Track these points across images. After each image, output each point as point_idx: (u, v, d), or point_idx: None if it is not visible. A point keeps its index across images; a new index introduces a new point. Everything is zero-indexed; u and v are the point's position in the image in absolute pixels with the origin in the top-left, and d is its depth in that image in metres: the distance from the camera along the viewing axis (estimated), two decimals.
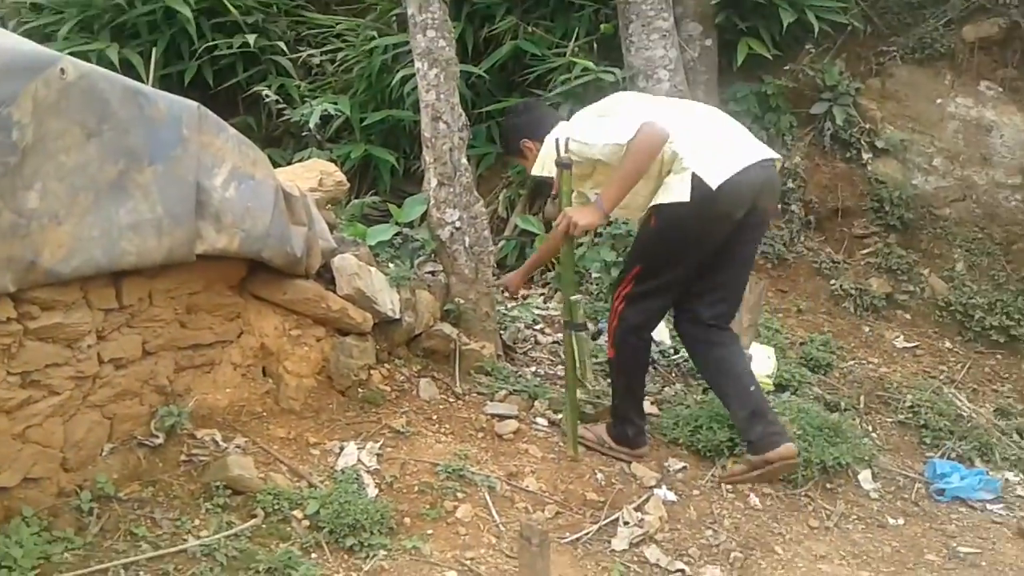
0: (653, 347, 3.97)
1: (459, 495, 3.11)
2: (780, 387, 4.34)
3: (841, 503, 3.62)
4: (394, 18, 6.16)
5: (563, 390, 3.91)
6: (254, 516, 2.71)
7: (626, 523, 3.18)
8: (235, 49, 6.06)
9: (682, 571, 3.02)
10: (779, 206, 5.70)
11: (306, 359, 3.36)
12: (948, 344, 5.34)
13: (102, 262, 2.45)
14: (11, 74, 2.14)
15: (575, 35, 5.87)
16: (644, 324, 3.54)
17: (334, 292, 3.41)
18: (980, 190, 5.92)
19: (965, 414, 4.51)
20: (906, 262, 5.68)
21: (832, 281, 5.54)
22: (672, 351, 4.47)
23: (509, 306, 4.71)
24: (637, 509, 3.27)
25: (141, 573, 2.40)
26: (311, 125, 5.59)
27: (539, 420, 3.72)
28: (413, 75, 4.32)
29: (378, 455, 3.18)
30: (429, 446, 3.33)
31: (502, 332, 4.30)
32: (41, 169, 2.24)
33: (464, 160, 4.01)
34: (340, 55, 6.31)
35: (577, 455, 3.50)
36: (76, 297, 2.47)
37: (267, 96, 5.73)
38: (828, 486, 3.69)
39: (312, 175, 3.91)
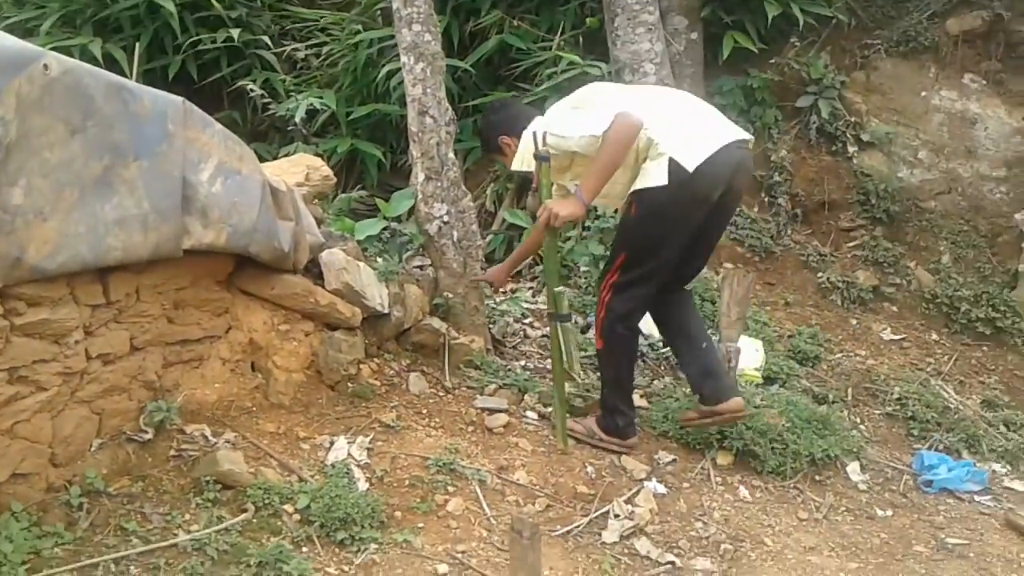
0: (642, 340, 3.98)
1: (450, 489, 3.11)
2: (768, 380, 4.35)
3: (830, 495, 3.64)
4: (379, 12, 6.14)
5: (552, 383, 3.92)
6: (244, 510, 2.69)
7: (616, 516, 3.19)
8: (219, 44, 6.04)
9: (672, 563, 3.03)
10: (764, 197, 5.74)
11: (295, 354, 3.34)
12: (935, 336, 5.37)
13: (88, 258, 2.43)
14: None
15: (561, 29, 5.87)
16: (631, 313, 3.54)
17: (322, 287, 3.40)
18: (965, 183, 5.96)
19: (952, 406, 4.53)
20: (892, 255, 5.71)
21: (819, 274, 5.57)
22: (661, 344, 4.47)
23: (498, 300, 4.71)
24: (627, 502, 3.27)
25: (131, 568, 2.38)
26: (297, 119, 5.58)
27: (529, 414, 3.73)
28: (399, 69, 4.30)
29: (368, 449, 3.18)
30: (419, 440, 3.33)
31: (491, 326, 4.30)
32: (25, 165, 2.22)
33: (451, 154, 4.01)
34: (325, 49, 6.29)
35: (567, 448, 3.51)
36: (63, 293, 2.45)
37: (252, 91, 5.71)
38: (817, 478, 3.71)
39: (298, 170, 3.90)
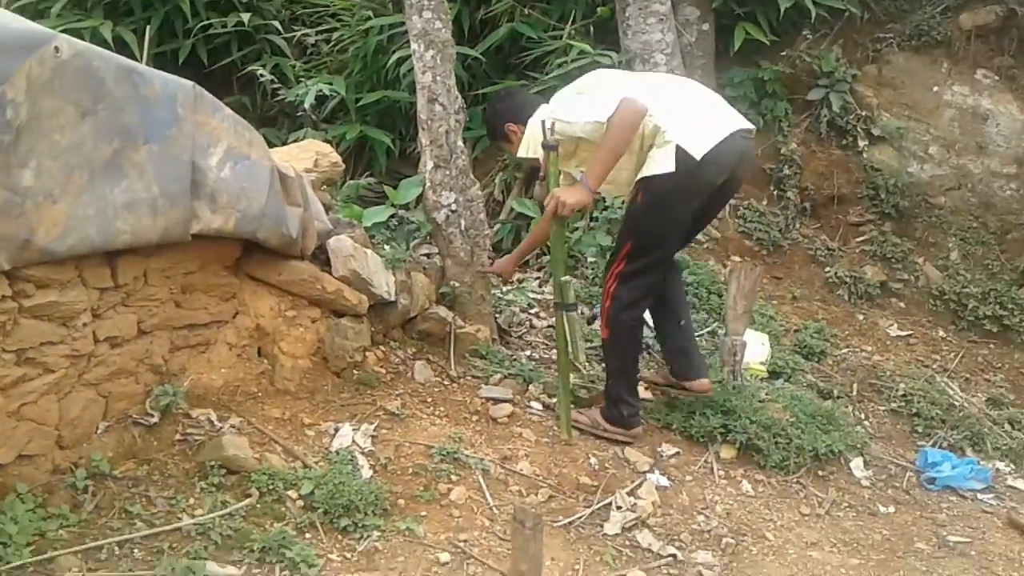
0: (647, 332, 3.98)
1: (453, 478, 3.12)
2: (774, 374, 4.35)
3: (833, 490, 3.64)
4: None
5: (557, 374, 3.92)
6: (249, 496, 2.71)
7: (619, 507, 3.20)
8: (230, 28, 6.02)
9: (674, 556, 3.04)
10: (773, 190, 5.72)
11: (301, 340, 3.35)
12: (941, 333, 5.36)
13: (97, 241, 2.44)
14: (5, 52, 2.13)
15: (572, 18, 5.83)
16: (637, 301, 3.55)
17: (330, 273, 3.41)
18: (975, 179, 5.93)
19: (957, 403, 4.53)
20: (901, 250, 5.69)
21: (827, 268, 5.56)
22: None
23: (504, 290, 4.71)
24: (630, 494, 3.28)
25: (135, 551, 2.40)
26: (306, 105, 5.55)
27: (533, 404, 3.73)
28: (409, 56, 4.29)
29: (373, 437, 3.18)
30: (423, 428, 3.34)
31: (497, 315, 4.30)
32: (36, 148, 2.23)
33: (460, 142, 4.00)
34: (335, 35, 6.26)
35: (571, 439, 3.51)
36: (71, 275, 2.47)
37: (262, 76, 5.68)
38: (820, 473, 3.72)
39: (307, 156, 3.89)
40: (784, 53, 6.06)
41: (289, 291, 3.31)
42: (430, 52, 3.91)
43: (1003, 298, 5.41)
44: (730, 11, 5.93)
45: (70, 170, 2.33)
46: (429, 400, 3.55)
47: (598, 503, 3.20)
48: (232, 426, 2.96)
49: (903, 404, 4.46)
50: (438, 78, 3.92)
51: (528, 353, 4.25)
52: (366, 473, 2.99)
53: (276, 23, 6.28)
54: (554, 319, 4.54)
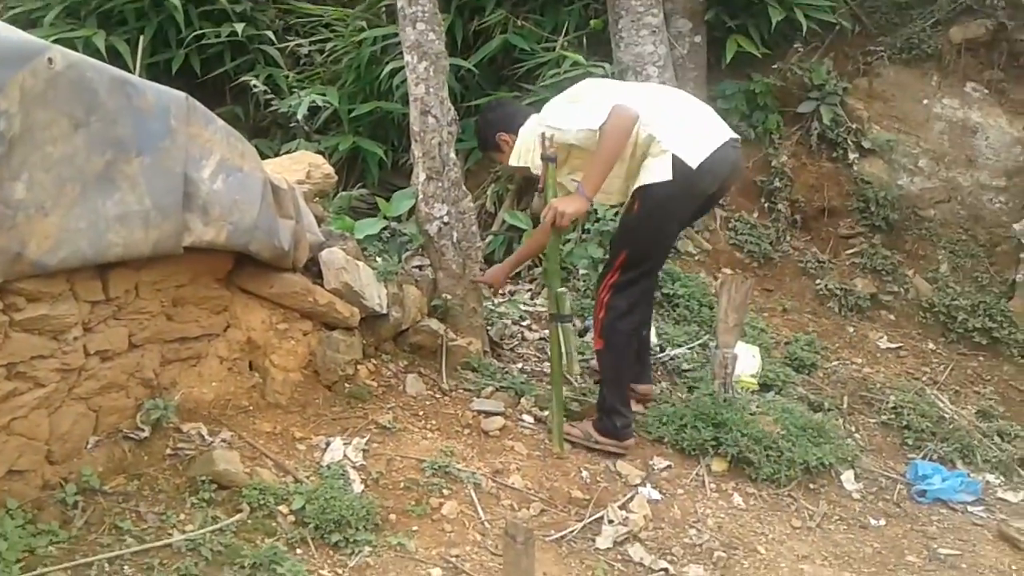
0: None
1: (444, 492, 3.11)
2: (765, 386, 4.36)
3: (824, 503, 3.65)
4: (383, 9, 6.13)
5: (549, 387, 3.92)
6: (239, 511, 2.69)
7: (611, 521, 3.19)
8: (223, 38, 6.02)
9: (665, 570, 3.03)
10: (764, 202, 5.73)
11: (293, 353, 3.34)
12: (931, 345, 5.38)
13: (89, 254, 2.42)
14: None
15: (565, 30, 5.86)
16: (632, 310, 3.57)
17: (321, 286, 3.40)
18: (965, 192, 5.96)
19: (947, 416, 4.54)
20: (891, 263, 5.72)
21: (817, 281, 5.58)
22: (658, 349, 4.48)
23: (496, 302, 4.71)
24: (622, 507, 3.28)
25: (126, 567, 2.38)
26: (299, 116, 5.56)
27: (525, 417, 3.73)
28: (402, 67, 4.29)
29: (364, 451, 3.17)
30: (415, 442, 3.33)
31: (489, 328, 4.29)
32: (28, 160, 2.22)
33: (452, 155, 4.00)
34: (329, 46, 6.27)
35: (563, 452, 3.51)
36: (62, 289, 2.45)
37: (255, 86, 5.68)
38: (811, 486, 3.72)
39: (300, 167, 3.89)
40: (775, 66, 6.10)
41: (281, 304, 3.30)
42: (423, 64, 3.92)
43: (992, 310, 5.44)
44: (722, 24, 5.97)
45: (62, 182, 2.32)
46: (421, 413, 3.54)
47: (590, 517, 3.20)
48: (223, 440, 2.95)
49: (893, 416, 4.47)
50: (431, 90, 3.92)
51: (520, 366, 4.25)
52: (357, 488, 2.98)
53: (269, 33, 6.30)
54: (546, 332, 4.58)
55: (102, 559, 2.36)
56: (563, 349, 3.46)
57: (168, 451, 2.82)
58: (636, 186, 3.40)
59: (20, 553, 2.27)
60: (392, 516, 2.93)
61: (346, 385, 3.46)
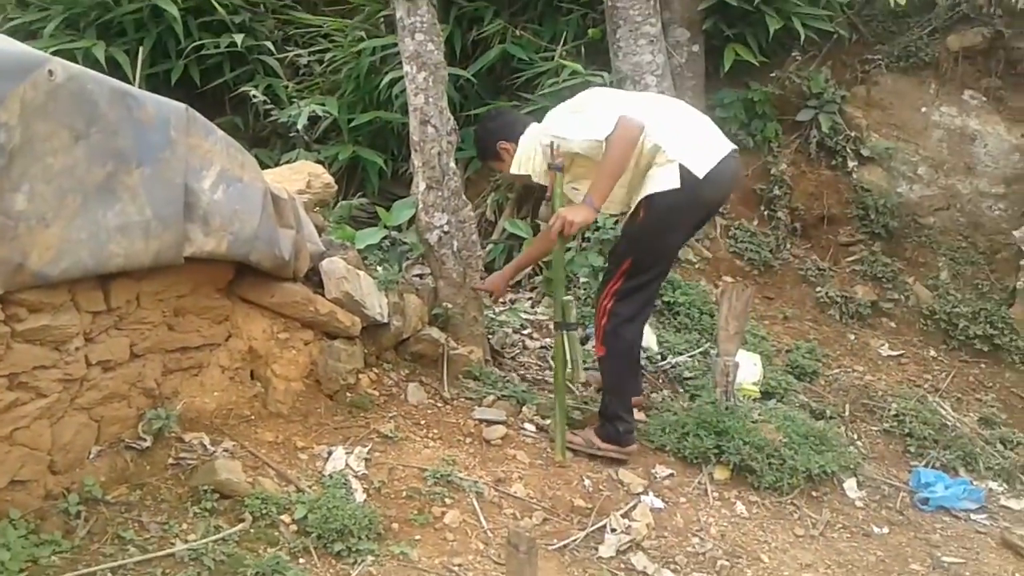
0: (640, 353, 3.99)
1: (447, 501, 3.10)
2: (766, 394, 4.35)
3: (827, 511, 3.64)
4: (382, 19, 6.14)
5: (551, 395, 3.92)
6: (242, 520, 2.69)
7: (613, 530, 3.18)
8: (222, 49, 6.03)
9: None
10: (763, 210, 5.74)
11: (294, 362, 3.34)
12: (933, 353, 5.38)
13: (90, 264, 2.43)
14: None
15: (563, 39, 5.88)
16: (634, 317, 3.59)
17: (322, 295, 3.40)
18: (964, 199, 5.97)
19: (949, 423, 4.54)
20: (891, 270, 5.72)
21: (818, 288, 5.58)
22: (659, 357, 4.48)
23: (497, 311, 4.71)
24: (624, 516, 3.27)
25: None
26: (299, 126, 5.57)
27: (527, 425, 3.72)
28: (401, 77, 4.31)
29: (366, 460, 3.17)
30: (417, 451, 3.32)
31: (490, 337, 4.29)
32: (29, 171, 2.22)
33: (452, 164, 4.01)
34: (328, 56, 6.29)
35: (565, 460, 3.50)
36: (64, 299, 2.45)
37: (254, 96, 5.70)
38: (814, 494, 3.71)
39: (300, 177, 3.90)
40: (774, 74, 6.11)
41: (282, 313, 3.30)
42: (422, 74, 3.93)
43: (993, 317, 5.43)
44: (720, 33, 5.98)
45: (63, 194, 2.32)
46: (422, 422, 3.53)
47: (592, 526, 3.19)
48: (225, 450, 2.94)
49: (895, 424, 4.47)
50: (430, 100, 3.93)
51: (521, 374, 4.25)
52: (360, 497, 2.97)
53: (269, 44, 6.31)
54: (547, 340, 4.59)
55: (105, 569, 2.35)
56: (568, 357, 3.48)
57: (170, 461, 2.81)
58: (643, 195, 3.41)
59: (23, 563, 2.26)
60: (394, 525, 2.92)
61: (348, 394, 3.46)
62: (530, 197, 5.60)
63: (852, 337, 5.38)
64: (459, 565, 2.82)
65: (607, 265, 3.74)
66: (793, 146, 6.06)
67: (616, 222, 4.52)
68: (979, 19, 6.27)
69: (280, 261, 3.12)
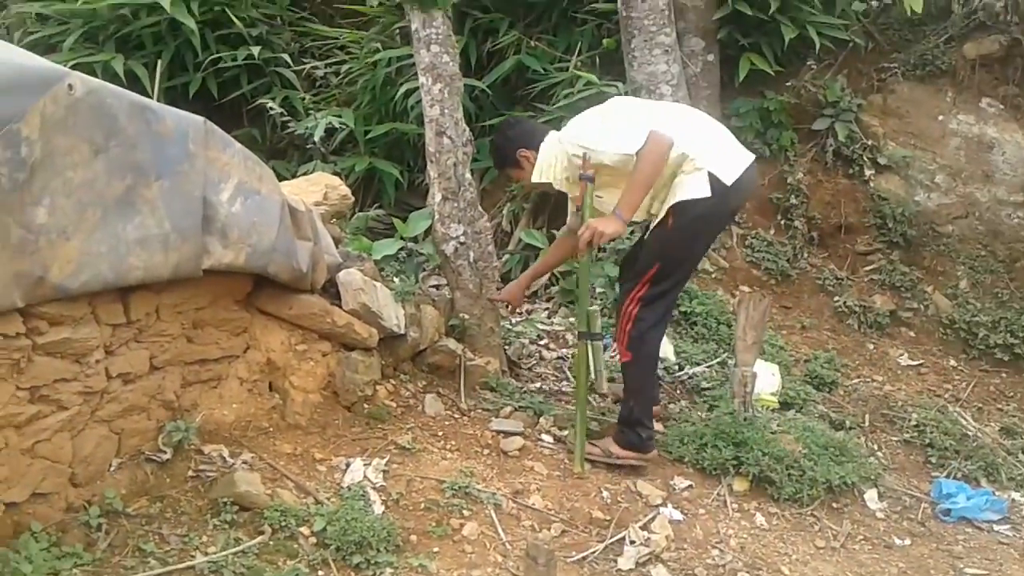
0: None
1: (465, 512, 3.09)
2: (785, 405, 4.32)
3: (847, 523, 3.61)
4: (398, 31, 6.17)
5: (568, 407, 3.92)
6: (261, 533, 2.69)
7: (632, 542, 3.16)
8: (240, 61, 6.07)
9: None
10: (780, 219, 5.73)
11: (312, 374, 3.35)
12: (953, 362, 5.33)
13: (110, 277, 2.44)
14: (20, 90, 2.14)
15: (578, 50, 5.89)
16: (659, 323, 3.62)
17: (339, 307, 3.40)
18: (983, 207, 5.92)
19: (971, 433, 4.49)
20: (909, 279, 5.68)
21: (836, 298, 5.54)
22: (676, 367, 4.46)
23: (514, 321, 4.71)
24: (643, 528, 3.25)
25: None
26: (316, 138, 5.60)
27: (544, 437, 3.71)
28: (417, 88, 4.33)
29: (384, 471, 3.17)
30: (435, 463, 3.32)
31: (507, 347, 4.29)
32: (49, 185, 2.24)
33: (468, 175, 4.01)
34: (344, 67, 6.33)
35: (583, 471, 3.49)
36: (84, 312, 2.47)
37: (271, 108, 5.74)
38: (834, 505, 3.68)
39: (317, 189, 3.91)
40: (789, 83, 6.09)
41: (299, 325, 3.31)
42: (438, 86, 3.94)
43: (1013, 326, 5.38)
44: (735, 42, 5.97)
45: (83, 207, 2.34)
46: (440, 434, 3.53)
47: (611, 538, 3.17)
48: (244, 462, 2.95)
49: (916, 434, 4.43)
50: (446, 111, 3.94)
51: (538, 385, 4.24)
52: (378, 509, 2.97)
53: (285, 56, 6.34)
54: (564, 350, 4.58)
55: None
56: (592, 367, 3.49)
57: (190, 473, 2.82)
58: (672, 202, 3.43)
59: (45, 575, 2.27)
60: (413, 537, 2.92)
61: (365, 406, 3.46)
62: (545, 207, 5.60)
63: (871, 347, 5.34)
64: None
65: (629, 272, 3.72)
66: (809, 155, 6.03)
67: (632, 232, 4.50)
68: (996, 27, 6.23)
69: (298, 273, 3.13)
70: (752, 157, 3.58)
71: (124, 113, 2.45)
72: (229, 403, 3.09)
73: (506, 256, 5.41)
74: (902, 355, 5.31)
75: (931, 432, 4.40)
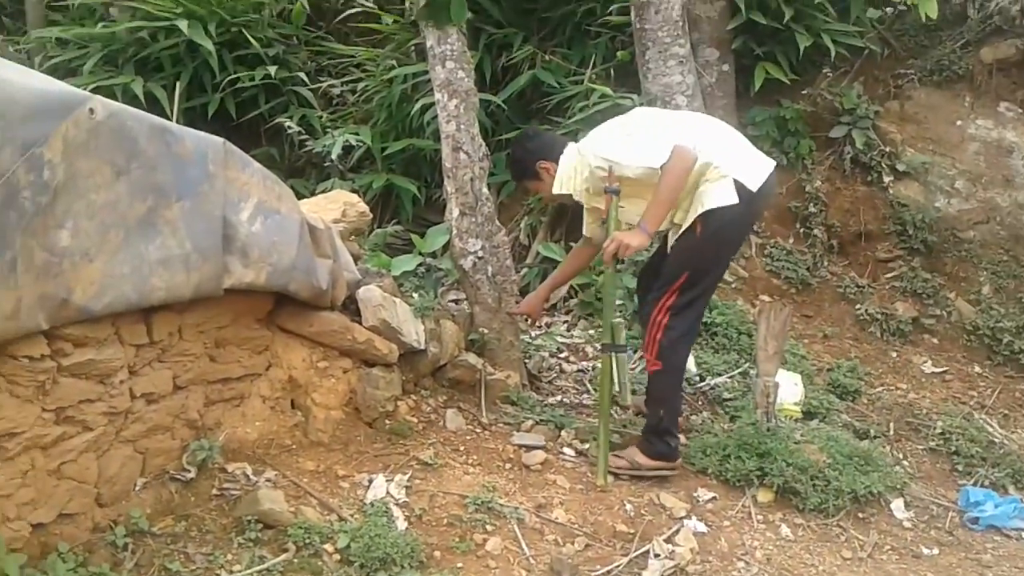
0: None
1: (488, 527, 3.09)
2: (808, 414, 4.30)
3: (874, 533, 3.57)
4: (413, 48, 6.20)
5: (589, 419, 3.91)
6: (285, 550, 2.69)
7: (657, 555, 3.14)
8: (257, 81, 6.12)
9: None
10: (799, 228, 5.71)
11: (334, 391, 3.36)
12: (977, 369, 5.27)
13: (133, 298, 2.46)
14: (42, 115, 2.16)
15: (592, 63, 5.90)
16: (689, 331, 3.64)
17: (360, 324, 3.42)
18: (1003, 212, 5.87)
19: (997, 440, 4.44)
20: (931, 286, 5.63)
21: (857, 306, 5.50)
22: (698, 378, 4.44)
23: (533, 335, 4.70)
24: (667, 541, 3.23)
25: None
26: (333, 156, 5.64)
27: (566, 450, 3.71)
28: (433, 104, 4.34)
29: (407, 487, 3.17)
30: (457, 478, 3.32)
31: (527, 361, 4.29)
32: (72, 208, 2.26)
33: (485, 189, 4.03)
34: (360, 85, 6.36)
35: (606, 484, 3.47)
36: (108, 333, 2.49)
37: (289, 127, 5.78)
38: (860, 515, 3.65)
39: (335, 206, 3.93)
40: (805, 91, 6.07)
41: (320, 342, 3.32)
42: (454, 101, 3.96)
43: None
44: (749, 51, 5.96)
45: (105, 229, 2.36)
46: (462, 448, 3.53)
47: (635, 551, 3.15)
48: (267, 480, 2.96)
49: (942, 442, 4.39)
50: (462, 127, 3.96)
51: (559, 398, 4.23)
52: (401, 525, 2.97)
53: (302, 75, 6.39)
54: (584, 363, 4.57)
55: None
56: (617, 379, 3.48)
57: (214, 491, 2.83)
58: (701, 211, 3.43)
59: None
60: (436, 553, 2.91)
61: (387, 421, 3.47)
62: (563, 220, 5.60)
63: (894, 354, 5.29)
64: None
65: (652, 283, 3.71)
66: (827, 163, 6.01)
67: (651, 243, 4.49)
68: (1012, 31, 6.19)
69: (318, 290, 3.14)
70: (773, 164, 3.59)
71: (144, 135, 2.47)
72: (252, 421, 3.11)
73: (524, 270, 5.41)
74: (926, 362, 5.26)
75: (957, 440, 4.36)
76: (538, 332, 4.80)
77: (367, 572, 2.71)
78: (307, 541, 2.73)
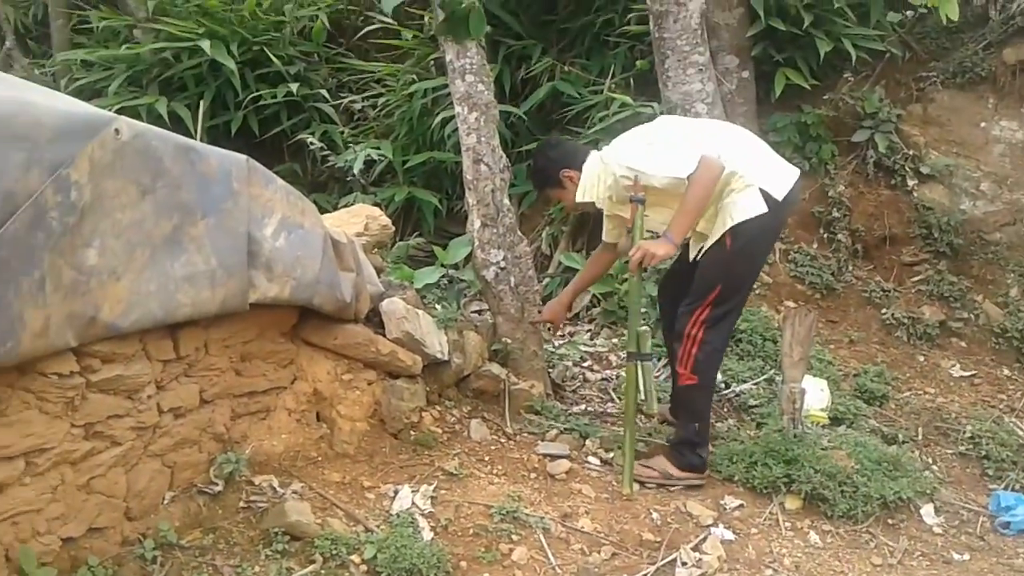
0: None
1: (514, 537, 3.09)
2: (835, 420, 4.26)
3: (904, 539, 3.54)
4: (432, 62, 6.25)
5: (614, 428, 3.91)
6: (313, 562, 2.71)
7: (684, 564, 3.13)
8: (279, 98, 6.19)
9: None
10: (823, 233, 5.68)
11: (358, 403, 3.38)
12: (1006, 372, 5.21)
13: (159, 315, 2.50)
14: (69, 136, 2.20)
15: (611, 72, 5.91)
16: (723, 344, 3.67)
17: (383, 336, 3.45)
18: None
19: None
20: (958, 288, 5.57)
21: (883, 310, 5.46)
22: (723, 385, 4.42)
23: (556, 344, 4.71)
24: (695, 549, 3.22)
25: None
26: (355, 170, 5.69)
27: (591, 459, 3.71)
28: (453, 117, 4.37)
29: (432, 498, 3.18)
30: (482, 488, 3.33)
31: (550, 370, 4.30)
32: (99, 227, 2.30)
33: (506, 200, 4.04)
34: (381, 100, 6.42)
35: (631, 493, 3.47)
36: (135, 349, 2.53)
37: (311, 143, 5.84)
38: (890, 521, 3.62)
39: (358, 220, 3.97)
40: (826, 96, 6.04)
41: (345, 355, 3.35)
42: (474, 114, 3.98)
43: None
44: (769, 58, 5.95)
45: (132, 247, 2.40)
46: (486, 459, 3.54)
47: (663, 560, 3.14)
48: (294, 492, 2.99)
49: (971, 447, 4.34)
50: (482, 139, 3.98)
51: (583, 407, 4.23)
52: (427, 535, 2.98)
53: (324, 91, 6.46)
54: (608, 372, 4.57)
55: None
56: (643, 387, 3.47)
57: (241, 504, 2.86)
58: (730, 224, 3.42)
59: None
60: (463, 563, 2.92)
61: (411, 433, 3.49)
62: (584, 229, 5.61)
63: (921, 358, 5.25)
64: None
65: (677, 291, 3.71)
66: (850, 167, 5.97)
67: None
68: None
69: (342, 304, 3.17)
70: (798, 172, 3.59)
71: (169, 155, 2.51)
72: (278, 434, 3.14)
73: (547, 280, 5.42)
74: (954, 366, 5.21)
75: (987, 444, 4.31)
76: (561, 341, 4.81)
77: None
78: (334, 552, 2.75)
